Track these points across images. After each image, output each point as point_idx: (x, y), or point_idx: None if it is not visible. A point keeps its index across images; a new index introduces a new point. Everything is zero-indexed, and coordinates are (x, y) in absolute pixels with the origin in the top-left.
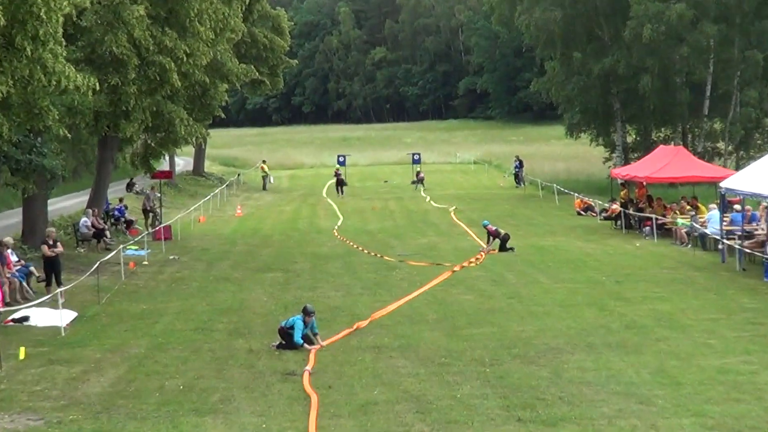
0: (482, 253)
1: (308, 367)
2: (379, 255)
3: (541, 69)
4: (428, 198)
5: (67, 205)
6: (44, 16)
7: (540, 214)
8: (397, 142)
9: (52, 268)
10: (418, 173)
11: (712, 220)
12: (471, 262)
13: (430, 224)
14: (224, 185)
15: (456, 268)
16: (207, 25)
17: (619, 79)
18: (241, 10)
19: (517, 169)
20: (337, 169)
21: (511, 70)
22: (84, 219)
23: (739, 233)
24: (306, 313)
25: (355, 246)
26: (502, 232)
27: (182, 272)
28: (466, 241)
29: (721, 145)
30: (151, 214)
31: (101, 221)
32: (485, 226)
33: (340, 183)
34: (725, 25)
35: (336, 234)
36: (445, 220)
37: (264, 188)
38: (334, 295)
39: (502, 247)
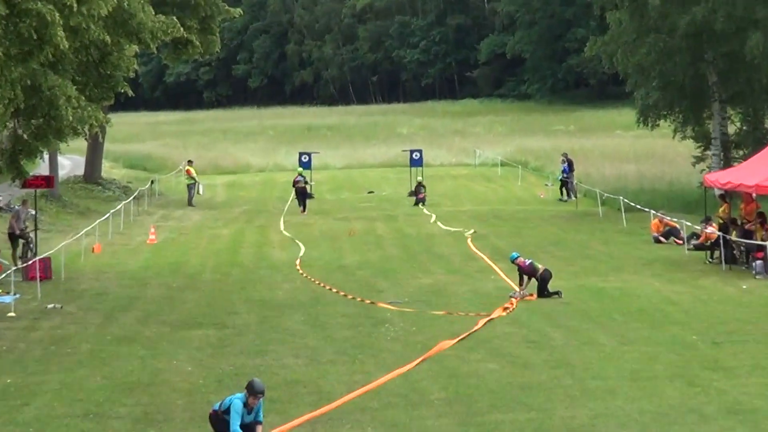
0: (514, 300)
1: None
2: (359, 299)
3: (600, 23)
4: (434, 217)
5: None
6: None
7: (599, 241)
8: (388, 133)
9: None
10: (419, 184)
11: None
12: (497, 314)
13: (436, 256)
14: (131, 198)
15: (478, 325)
16: None
17: (716, 38)
18: None
19: (565, 174)
20: (298, 175)
21: (557, 24)
22: None
23: None
24: (252, 392)
25: (324, 288)
26: (541, 267)
27: (67, 328)
28: (489, 282)
29: None
30: (21, 241)
31: None
32: (514, 261)
33: (303, 195)
34: None
35: (298, 270)
36: (459, 249)
37: (190, 202)
38: (293, 364)
39: (543, 291)
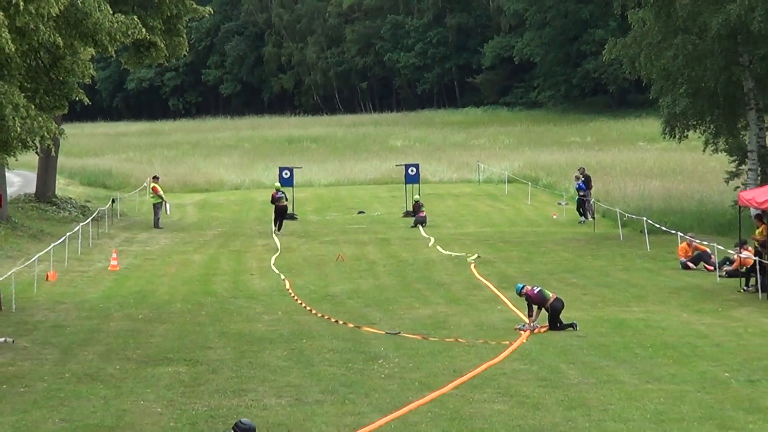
0: (524, 332)
1: None
2: (350, 325)
3: (621, 23)
4: (432, 240)
5: None
6: None
7: (620, 267)
8: (379, 146)
9: None
10: (416, 203)
11: None
12: (503, 348)
13: (435, 284)
14: (89, 219)
15: (483, 366)
16: None
17: (753, 40)
18: None
19: (581, 192)
20: (277, 191)
21: (571, 24)
22: None
23: None
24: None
25: (312, 313)
26: (551, 296)
27: (20, 365)
28: (495, 313)
29: None
30: None
31: None
32: (520, 292)
33: (281, 215)
34: None
35: (291, 296)
36: (462, 277)
37: (156, 224)
38: (275, 405)
39: (554, 322)
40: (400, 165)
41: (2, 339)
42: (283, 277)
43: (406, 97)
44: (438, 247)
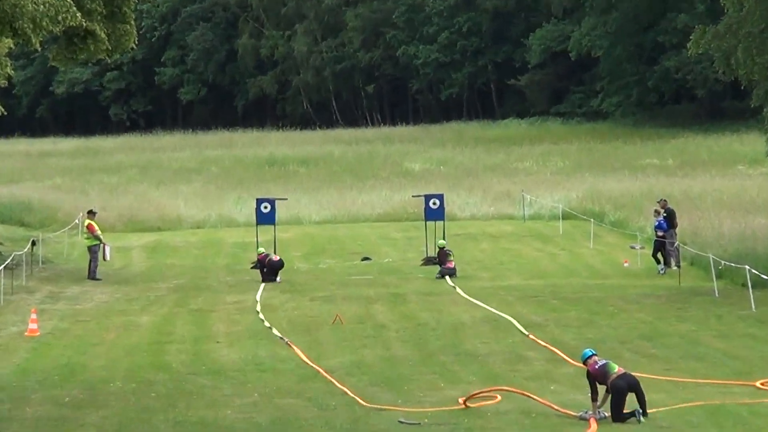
0: (591, 421)
1: None
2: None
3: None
4: (459, 291)
5: None
6: None
7: (715, 334)
8: (391, 169)
9: None
10: (441, 251)
11: None
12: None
13: (466, 356)
14: (0, 267)
15: None
16: None
17: None
18: None
19: (661, 232)
20: (264, 254)
21: (645, 7)
22: None
23: None
24: None
25: (297, 402)
26: (616, 370)
27: None
28: (548, 394)
29: None
30: None
31: None
32: (587, 361)
33: (271, 269)
34: None
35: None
36: (502, 345)
37: (92, 274)
38: None
39: (617, 411)
40: (419, 196)
41: None
42: (287, 340)
43: (427, 105)
44: (474, 301)
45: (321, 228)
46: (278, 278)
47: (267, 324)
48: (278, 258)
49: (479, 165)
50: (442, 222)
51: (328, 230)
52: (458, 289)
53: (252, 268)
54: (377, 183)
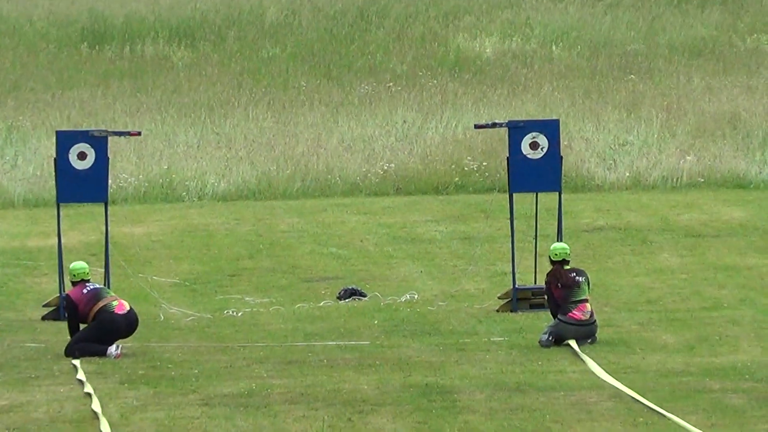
0: None
1: None
2: None
3: None
4: (619, 386)
5: None
6: None
7: None
8: (422, 54)
9: None
10: (559, 267)
11: None
12: None
13: None
14: None
15: None
16: None
17: None
18: None
19: None
20: (84, 281)
21: None
22: None
23: None
24: None
25: None
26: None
27: None
28: None
29: None
30: None
31: None
32: None
33: (104, 327)
34: None
35: None
36: None
37: None
38: None
39: None
40: (490, 125)
41: None
42: None
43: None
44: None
45: (232, 210)
46: (116, 349)
47: None
48: (123, 305)
49: (650, 42)
50: (556, 194)
51: (250, 218)
52: (614, 383)
53: (45, 316)
54: (376, 93)
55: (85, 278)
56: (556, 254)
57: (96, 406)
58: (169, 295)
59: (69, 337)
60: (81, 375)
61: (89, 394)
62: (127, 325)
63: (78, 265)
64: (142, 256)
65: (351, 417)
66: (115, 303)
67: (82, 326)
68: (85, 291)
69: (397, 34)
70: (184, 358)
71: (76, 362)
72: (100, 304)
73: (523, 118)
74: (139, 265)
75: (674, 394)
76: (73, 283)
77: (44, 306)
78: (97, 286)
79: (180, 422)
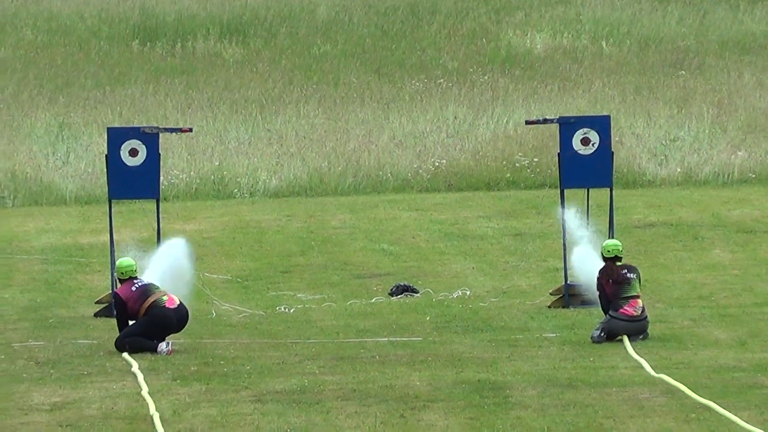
0: None
1: None
2: None
3: None
4: (671, 382)
5: None
6: None
7: None
8: (473, 50)
9: None
10: (611, 264)
11: None
12: None
13: None
14: None
15: None
16: None
17: None
18: None
19: None
20: (133, 277)
21: None
22: None
23: None
24: None
25: None
26: None
27: None
28: None
29: None
30: None
31: None
32: None
33: (153, 323)
34: None
35: None
36: None
37: None
38: None
39: None
40: (541, 121)
41: None
42: None
43: None
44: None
45: (283, 207)
46: (167, 345)
47: None
48: (173, 300)
49: (701, 38)
50: (608, 190)
51: (301, 214)
52: (667, 378)
53: (98, 313)
54: (427, 89)
55: (133, 275)
56: (608, 251)
57: (149, 403)
58: (221, 291)
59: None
60: (135, 369)
61: (140, 393)
62: (178, 319)
63: (125, 262)
64: (194, 253)
65: (403, 413)
66: (165, 298)
67: (131, 322)
68: (133, 288)
69: (448, 31)
70: (236, 354)
71: (130, 358)
72: (150, 300)
73: (574, 114)
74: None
75: (726, 390)
76: (121, 281)
77: (96, 303)
78: (146, 282)
79: (232, 419)
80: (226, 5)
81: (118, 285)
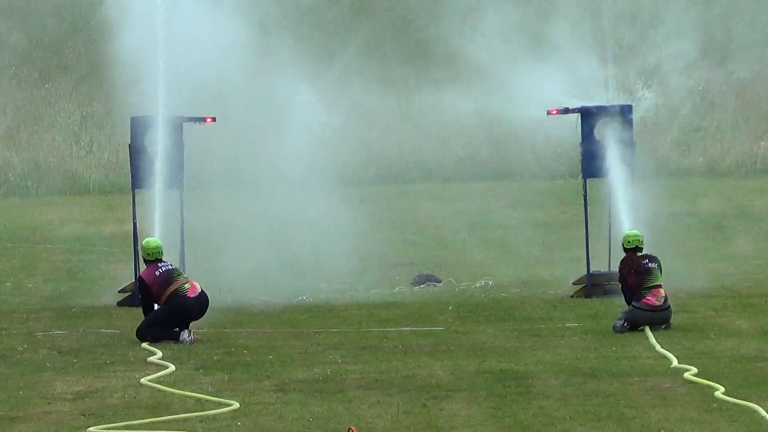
0: None
1: None
2: None
3: None
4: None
5: None
6: None
7: None
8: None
9: None
10: (632, 254)
11: None
12: None
13: None
14: None
15: None
16: None
17: None
18: None
19: None
20: (158, 259)
21: None
22: None
23: None
24: None
25: None
26: None
27: None
28: None
29: None
30: None
31: None
32: None
33: (177, 310)
34: None
35: None
36: None
37: None
38: None
39: None
40: (559, 112)
41: None
42: None
43: None
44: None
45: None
46: (189, 335)
47: None
48: (195, 287)
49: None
50: (628, 179)
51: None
52: (689, 374)
53: (121, 302)
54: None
55: (159, 257)
56: (628, 241)
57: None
58: (244, 281)
59: (143, 318)
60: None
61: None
62: (198, 307)
63: (153, 242)
64: (217, 243)
65: (425, 402)
66: (187, 286)
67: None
68: (157, 273)
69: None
70: (258, 344)
71: (152, 347)
72: (173, 287)
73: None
74: (214, 251)
75: (748, 379)
76: (146, 262)
77: (120, 292)
78: (170, 266)
79: (255, 408)
80: None
81: (143, 267)
